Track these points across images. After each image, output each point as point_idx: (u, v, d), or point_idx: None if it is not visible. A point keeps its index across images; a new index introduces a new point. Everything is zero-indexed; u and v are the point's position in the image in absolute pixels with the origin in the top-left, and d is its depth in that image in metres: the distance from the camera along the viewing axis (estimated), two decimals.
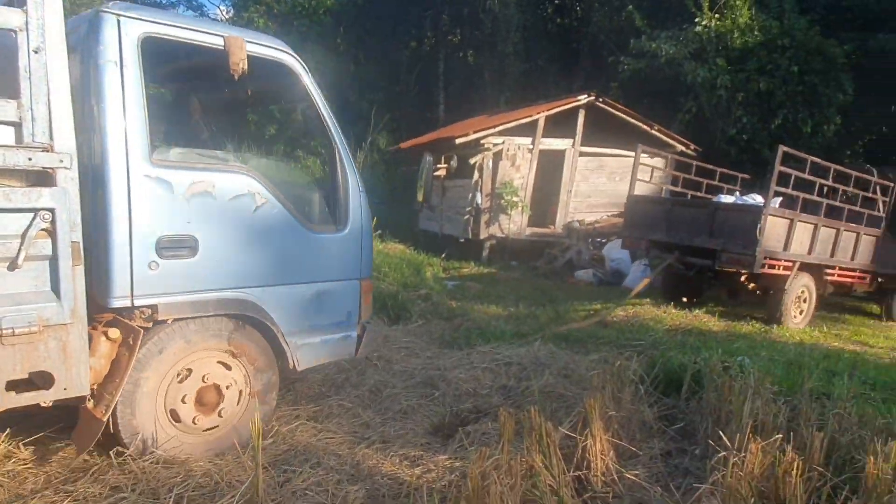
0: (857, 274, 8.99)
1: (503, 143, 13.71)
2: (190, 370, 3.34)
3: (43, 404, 2.82)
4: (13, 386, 2.64)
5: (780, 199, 8.14)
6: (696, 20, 15.86)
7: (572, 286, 11.31)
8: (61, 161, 2.61)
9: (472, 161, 13.88)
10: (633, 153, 9.34)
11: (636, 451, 3.49)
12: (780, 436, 2.78)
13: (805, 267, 8.12)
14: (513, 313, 7.94)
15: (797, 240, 7.81)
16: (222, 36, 3.23)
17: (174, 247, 3.14)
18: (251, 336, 3.51)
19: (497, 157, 13.78)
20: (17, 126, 2.51)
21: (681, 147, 14.55)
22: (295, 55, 3.62)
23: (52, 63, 2.54)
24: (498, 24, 20.19)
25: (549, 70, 21.90)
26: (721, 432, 3.14)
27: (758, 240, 7.25)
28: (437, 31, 23.81)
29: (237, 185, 3.37)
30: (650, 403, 4.22)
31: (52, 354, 2.70)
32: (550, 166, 14.14)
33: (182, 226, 3.16)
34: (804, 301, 8.31)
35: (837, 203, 8.38)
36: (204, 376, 3.37)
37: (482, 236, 13.98)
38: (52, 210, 2.58)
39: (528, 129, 13.68)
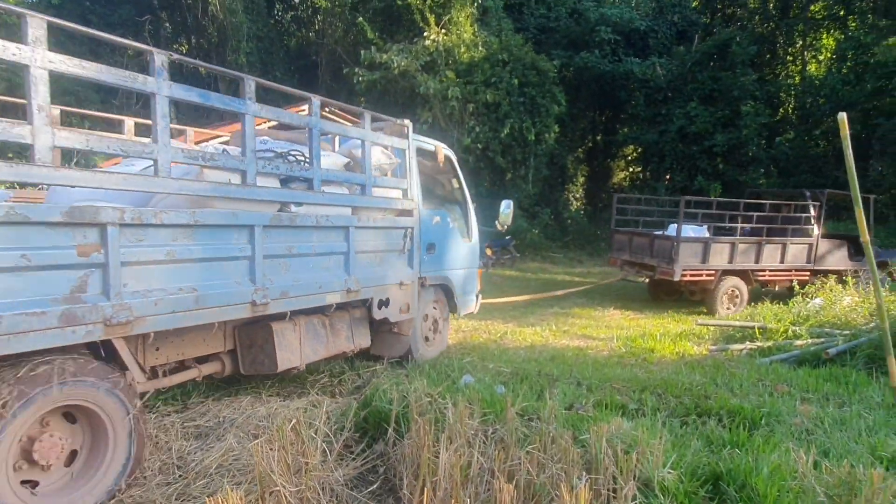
0: (792, 273, 10.85)
1: None
2: (434, 310, 6.47)
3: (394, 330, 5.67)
4: (403, 310, 5.52)
5: (705, 226, 10.96)
6: (425, 34, 16.21)
7: None
8: (416, 205, 5.58)
9: None
10: None
11: None
12: None
13: (730, 272, 10.47)
14: None
15: (716, 254, 10.31)
16: (434, 144, 6.32)
17: (430, 248, 6.03)
18: (444, 297, 6.61)
19: None
20: (405, 190, 5.44)
21: None
22: (451, 150, 6.70)
23: (411, 161, 5.61)
24: (226, 33, 18.66)
25: (290, 82, 20.92)
26: (409, 494, 2.53)
27: (674, 259, 9.97)
28: (159, 38, 21.38)
29: (444, 216, 6.41)
30: (354, 456, 3.56)
31: (409, 295, 5.59)
32: None
33: (432, 237, 6.06)
34: (736, 297, 10.63)
35: (753, 224, 10.93)
36: (435, 311, 6.49)
37: None
38: (412, 227, 5.52)
39: None
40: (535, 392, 4.59)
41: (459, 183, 6.81)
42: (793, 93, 23.39)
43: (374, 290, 5.03)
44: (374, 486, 3.13)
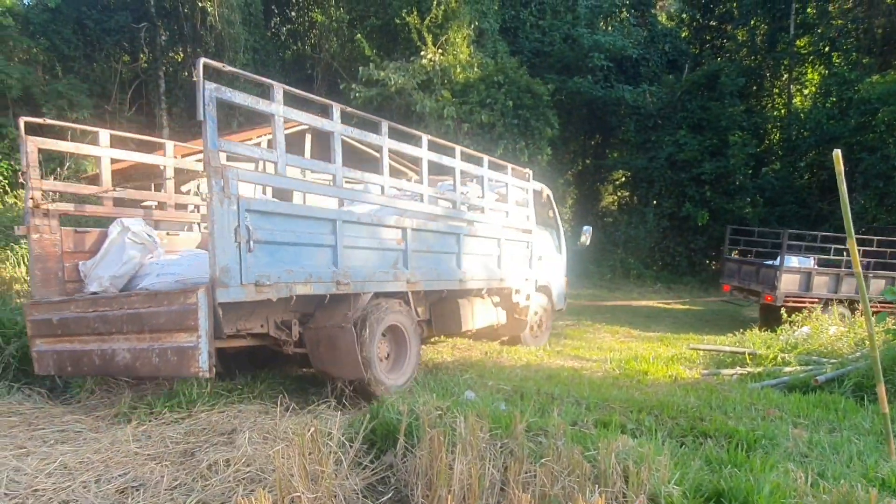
0: None
1: None
2: (539, 309, 9.02)
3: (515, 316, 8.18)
4: (526, 298, 8.10)
5: (812, 257, 12.08)
6: (422, 53, 16.43)
7: None
8: (533, 225, 8.22)
9: (182, 189, 12.31)
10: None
11: None
12: None
13: (834, 301, 11.38)
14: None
15: (819, 284, 11.49)
16: (541, 186, 9.02)
17: (540, 260, 8.50)
18: (547, 299, 9.23)
19: None
20: (528, 217, 8.09)
21: (413, 175, 14.73)
22: (549, 190, 9.46)
23: (530, 196, 8.27)
24: (223, 43, 18.76)
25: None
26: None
27: (776, 286, 11.22)
28: (155, 45, 21.41)
29: (547, 235, 9.21)
30: (364, 467, 3.60)
31: (529, 288, 8.09)
32: (281, 190, 13.18)
33: (540, 251, 8.54)
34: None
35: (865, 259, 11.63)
36: (539, 310, 8.99)
37: None
38: (531, 242, 8.10)
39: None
40: (537, 409, 4.67)
41: (554, 213, 9.44)
42: (778, 124, 23.93)
43: (512, 281, 7.53)
44: (387, 496, 3.19)
